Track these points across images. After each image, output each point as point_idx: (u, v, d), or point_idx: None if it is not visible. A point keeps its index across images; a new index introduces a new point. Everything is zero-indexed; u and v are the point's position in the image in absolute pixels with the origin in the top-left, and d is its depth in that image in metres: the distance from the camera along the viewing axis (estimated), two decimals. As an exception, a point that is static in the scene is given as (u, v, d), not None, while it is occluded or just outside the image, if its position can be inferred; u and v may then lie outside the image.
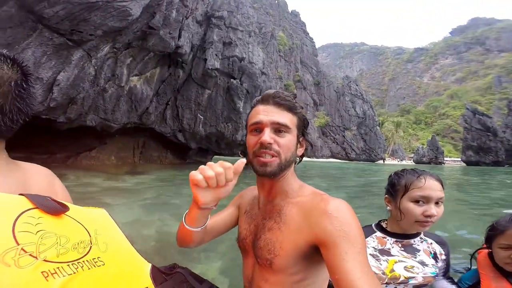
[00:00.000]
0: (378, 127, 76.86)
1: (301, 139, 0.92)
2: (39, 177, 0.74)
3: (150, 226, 5.00)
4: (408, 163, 74.08)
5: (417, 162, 71.56)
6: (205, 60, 17.41)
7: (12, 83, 0.64)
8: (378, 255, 1.24)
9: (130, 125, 14.30)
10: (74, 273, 0.52)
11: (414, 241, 1.29)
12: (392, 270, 1.20)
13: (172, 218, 5.61)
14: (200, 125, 18.03)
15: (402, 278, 1.19)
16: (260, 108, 0.88)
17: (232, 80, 18.65)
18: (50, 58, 7.93)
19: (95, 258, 0.57)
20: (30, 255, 0.48)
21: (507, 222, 1.25)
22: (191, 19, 15.21)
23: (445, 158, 79.79)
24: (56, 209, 0.58)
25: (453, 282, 1.35)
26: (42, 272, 0.48)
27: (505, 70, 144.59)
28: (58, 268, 0.50)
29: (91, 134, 12.97)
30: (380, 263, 1.21)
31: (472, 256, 1.44)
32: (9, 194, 0.55)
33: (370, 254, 1.23)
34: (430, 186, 1.18)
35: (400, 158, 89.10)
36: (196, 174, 0.76)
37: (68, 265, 0.52)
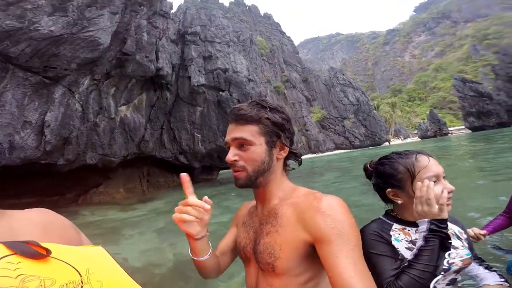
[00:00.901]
0: (375, 111, 76.97)
1: (277, 142, 0.92)
2: (29, 224, 0.69)
3: (167, 251, 5.05)
4: (413, 140, 73.74)
5: (422, 137, 71.50)
6: (189, 77, 17.48)
7: None
8: (413, 246, 1.10)
9: (130, 157, 14.18)
10: None
11: None
12: None
13: (186, 238, 5.56)
14: (199, 143, 17.92)
15: (444, 266, 1.07)
16: (228, 128, 0.95)
17: (220, 92, 18.65)
18: (32, 99, 7.86)
19: None
20: None
21: None
22: (165, 39, 15.32)
23: (449, 128, 79.54)
24: (35, 254, 0.54)
25: (488, 266, 1.25)
26: None
27: (477, 39, 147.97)
28: None
29: (95, 171, 12.88)
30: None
31: None
32: None
33: (407, 248, 1.10)
34: (432, 162, 1.12)
35: (404, 136, 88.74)
36: (181, 216, 0.84)
37: None
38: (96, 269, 0.61)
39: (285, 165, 0.98)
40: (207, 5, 69.14)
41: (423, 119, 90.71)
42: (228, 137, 0.92)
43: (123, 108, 13.15)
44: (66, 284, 0.53)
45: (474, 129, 60.30)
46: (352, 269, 0.69)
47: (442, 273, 1.08)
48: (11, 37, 6.88)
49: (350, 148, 67.22)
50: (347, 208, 0.80)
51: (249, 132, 0.89)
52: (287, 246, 0.82)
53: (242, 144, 0.89)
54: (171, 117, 17.43)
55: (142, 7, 11.99)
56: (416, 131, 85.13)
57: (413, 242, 1.12)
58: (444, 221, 1.01)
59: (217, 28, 22.01)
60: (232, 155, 0.90)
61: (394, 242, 1.11)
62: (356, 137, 69.77)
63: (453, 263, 1.11)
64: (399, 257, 1.08)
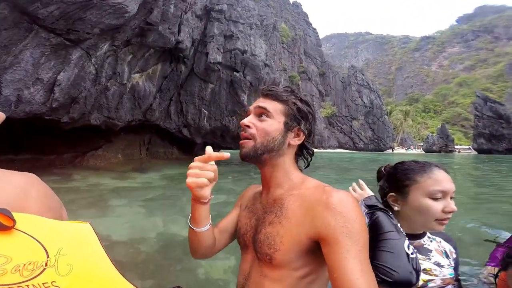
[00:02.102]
0: (386, 116, 75.89)
1: (295, 128, 0.91)
2: (6, 187, 0.64)
3: (156, 224, 5.00)
4: (418, 151, 73.20)
5: (426, 150, 70.80)
6: (207, 54, 17.28)
7: None
8: None
9: (134, 123, 14.34)
10: None
11: (424, 241, 1.19)
12: None
13: (179, 215, 5.61)
14: (205, 119, 18.00)
15: (421, 283, 1.08)
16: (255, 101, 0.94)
17: (235, 73, 18.47)
18: (49, 58, 7.91)
19: (46, 283, 0.47)
20: None
21: None
22: (190, 14, 15.03)
23: (456, 146, 78.60)
24: None
25: None
26: None
27: None
28: None
29: (96, 133, 13.05)
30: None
31: (496, 276, 1.27)
32: None
33: None
34: (445, 178, 1.08)
35: (408, 147, 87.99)
36: (197, 181, 0.80)
37: None
38: (70, 250, 0.55)
39: (297, 156, 0.96)
40: (237, -17, 66.86)
41: (432, 133, 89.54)
42: (251, 106, 0.94)
43: (136, 75, 13.16)
44: (24, 265, 0.48)
45: (480, 151, 59.31)
46: (359, 270, 0.66)
47: None
48: (43, -1, 6.86)
49: (352, 149, 67.02)
50: (358, 206, 0.77)
51: (272, 106, 0.89)
52: (289, 239, 0.80)
53: (262, 114, 0.90)
54: (182, 90, 17.43)
55: (173, -23, 11.75)
56: (422, 143, 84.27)
57: None
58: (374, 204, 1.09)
59: (243, 9, 21.41)
60: (247, 120, 0.90)
61: None
62: (361, 139, 69.37)
63: (431, 280, 1.10)
64: None
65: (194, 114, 17.69)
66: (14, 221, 0.52)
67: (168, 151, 18.81)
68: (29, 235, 0.53)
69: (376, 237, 1.00)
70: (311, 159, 0.98)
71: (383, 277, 0.92)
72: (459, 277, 1.24)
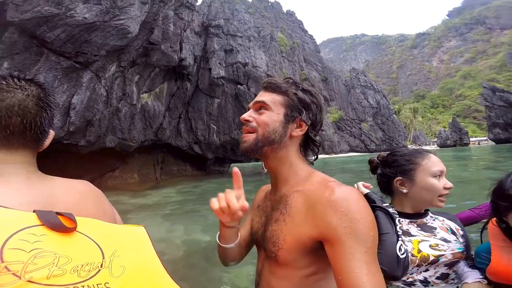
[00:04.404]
0: (394, 115, 75.00)
1: (297, 118, 0.87)
2: (67, 192, 0.70)
3: (176, 236, 5.11)
4: (432, 148, 71.69)
5: (441, 146, 69.24)
6: (210, 69, 17.75)
7: (35, 98, 0.67)
8: (402, 237, 1.16)
9: (147, 143, 14.68)
10: None
11: (427, 220, 1.27)
12: (420, 251, 1.17)
13: (197, 226, 5.72)
14: (214, 134, 18.25)
15: (432, 258, 1.15)
16: None
17: (239, 86, 18.86)
18: (61, 82, 8.35)
19: (100, 284, 0.50)
20: (13, 274, 0.45)
21: None
22: (189, 31, 15.62)
23: (471, 139, 76.80)
24: (59, 225, 0.53)
25: (473, 265, 1.27)
26: None
27: None
28: None
29: (112, 155, 13.42)
30: (405, 244, 1.13)
31: (484, 227, 1.33)
32: (15, 210, 0.53)
33: None
34: (439, 160, 1.24)
35: (423, 144, 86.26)
36: (213, 204, 0.84)
37: None
38: (124, 252, 0.57)
39: (302, 148, 0.92)
40: (230, -1, 69.23)
41: (444, 127, 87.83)
42: (251, 103, 0.92)
43: (145, 95, 13.62)
44: (82, 266, 0.51)
45: (498, 141, 57.74)
46: (364, 273, 0.63)
47: (430, 265, 1.16)
48: (49, 22, 7.35)
49: (365, 152, 66.03)
50: (365, 202, 0.73)
51: (270, 98, 0.88)
52: (292, 238, 0.77)
53: (260, 107, 0.88)
54: (189, 107, 17.83)
55: (170, -3, 12.35)
56: (435, 139, 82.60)
57: (403, 232, 1.20)
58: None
59: (239, 23, 22.09)
60: (247, 114, 0.89)
61: None
62: (372, 141, 68.44)
63: (442, 255, 1.16)
64: None
65: (204, 130, 17.99)
66: (76, 223, 0.56)
67: (181, 168, 19.02)
68: (88, 236, 0.56)
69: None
70: (319, 150, 0.94)
71: None
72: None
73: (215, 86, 18.02)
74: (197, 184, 13.79)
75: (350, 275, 0.64)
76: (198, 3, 18.26)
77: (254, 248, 1.01)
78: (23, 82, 0.67)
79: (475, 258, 1.29)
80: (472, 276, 1.23)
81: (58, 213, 0.56)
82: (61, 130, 8.92)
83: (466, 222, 1.81)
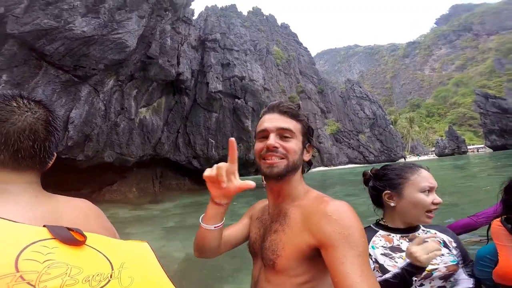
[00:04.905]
0: (391, 126, 75.47)
1: (307, 145, 0.97)
2: (70, 210, 0.73)
3: (174, 250, 5.16)
4: (429, 157, 71.84)
5: (439, 155, 69.56)
6: (207, 83, 17.90)
7: (44, 122, 0.69)
8: (391, 253, 1.21)
9: (146, 157, 14.60)
10: None
11: (419, 234, 1.27)
12: None
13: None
14: (213, 149, 18.19)
15: (425, 272, 1.13)
16: (266, 117, 0.97)
17: (236, 100, 18.98)
18: (60, 95, 8.33)
19: None
20: (28, 283, 0.46)
21: None
22: (186, 45, 15.85)
23: (469, 146, 77.22)
24: (69, 238, 0.56)
25: (471, 273, 1.27)
26: None
27: (501, 52, 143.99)
28: None
29: (111, 169, 13.32)
30: (395, 261, 1.18)
31: (489, 228, 1.33)
32: (27, 225, 0.55)
33: (382, 254, 1.21)
34: (430, 176, 1.25)
35: (421, 153, 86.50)
36: (206, 171, 0.89)
37: None
38: (131, 264, 0.60)
39: (302, 168, 1.01)
40: (226, 13, 70.72)
41: (441, 136, 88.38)
42: (270, 125, 0.92)
43: (143, 110, 13.63)
44: (93, 276, 0.52)
45: (495, 148, 57.97)
46: (358, 275, 0.68)
47: (424, 279, 1.16)
48: (48, 35, 7.43)
49: (364, 163, 65.96)
50: (355, 213, 0.80)
51: (293, 125, 0.93)
52: (290, 246, 0.84)
53: (286, 135, 0.91)
54: (187, 122, 17.83)
55: (167, 12, 12.57)
56: (433, 148, 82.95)
57: (393, 248, 1.22)
58: (421, 269, 1.06)
59: (236, 37, 22.54)
60: (274, 141, 0.90)
61: (369, 250, 1.20)
62: (370, 152, 68.53)
63: (435, 269, 1.16)
64: (373, 261, 1.19)
65: (202, 144, 17.94)
66: (85, 237, 0.58)
67: (180, 182, 18.83)
68: (97, 250, 0.58)
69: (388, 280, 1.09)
70: (310, 168, 1.04)
71: None
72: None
73: (213, 100, 18.11)
74: (196, 199, 13.65)
75: (345, 276, 0.69)
76: (194, 17, 18.63)
77: (250, 261, 1.04)
78: (32, 104, 0.68)
79: (477, 262, 1.28)
80: (463, 285, 1.24)
81: (68, 228, 0.58)
82: (59, 144, 8.79)
83: (464, 229, 1.87)
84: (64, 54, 7.87)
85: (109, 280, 0.54)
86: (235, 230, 1.12)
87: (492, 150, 59.34)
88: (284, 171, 0.90)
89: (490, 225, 1.31)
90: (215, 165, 0.88)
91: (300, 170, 0.98)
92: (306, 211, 0.87)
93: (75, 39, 7.96)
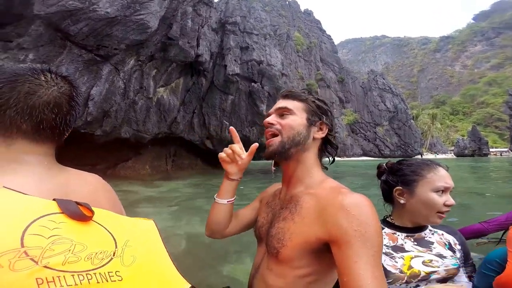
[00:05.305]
0: (412, 121, 72.92)
1: (318, 122, 0.95)
2: (81, 183, 0.74)
3: (181, 229, 5.19)
4: (447, 156, 69.67)
5: (458, 155, 67.02)
6: (225, 66, 17.92)
7: (68, 97, 0.70)
8: (392, 252, 1.16)
9: (161, 135, 15.05)
10: (76, 284, 0.47)
11: (425, 234, 1.23)
12: (410, 267, 1.12)
13: (202, 220, 5.71)
14: (226, 131, 18.42)
15: (422, 274, 1.10)
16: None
17: (253, 84, 18.96)
18: (82, 74, 8.72)
19: (111, 272, 0.52)
20: (31, 259, 0.45)
21: None
22: (207, 28, 15.82)
23: (491, 149, 74.02)
24: (78, 214, 0.55)
25: (470, 276, 1.24)
26: (37, 278, 0.44)
27: None
28: (58, 276, 0.46)
29: (126, 146, 13.83)
30: (395, 261, 1.13)
31: (505, 232, 1.30)
32: (37, 198, 0.55)
33: (384, 253, 1.14)
34: (447, 175, 1.17)
35: (439, 152, 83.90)
36: (220, 153, 1.02)
37: (73, 275, 0.47)
38: (135, 243, 0.59)
39: (321, 153, 0.98)
40: (247, -3, 68.66)
41: (463, 136, 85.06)
42: (272, 109, 0.98)
43: (161, 89, 13.95)
44: (96, 254, 0.52)
45: (519, 153, 55.56)
46: (370, 276, 0.65)
47: (420, 281, 1.11)
48: (72, 16, 7.72)
49: (378, 157, 64.73)
50: (374, 210, 0.75)
51: (293, 104, 0.94)
52: (298, 237, 0.80)
53: (283, 113, 0.94)
54: (203, 103, 18.07)
55: (189, -7, 12.56)
56: (452, 148, 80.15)
57: (396, 247, 1.17)
58: None
59: (256, 21, 22.08)
60: (270, 118, 0.95)
61: None
62: (386, 146, 67.01)
63: (434, 271, 1.11)
64: None
65: (216, 125, 18.22)
66: (93, 212, 0.58)
67: (192, 162, 19.36)
68: (103, 226, 0.58)
69: None
70: (336, 153, 1.01)
71: None
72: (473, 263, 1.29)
73: (230, 83, 18.19)
74: (206, 178, 14.05)
75: (356, 277, 0.66)
76: (216, 0, 18.44)
77: (254, 244, 1.05)
78: (59, 79, 0.70)
79: (484, 264, 1.25)
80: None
81: (76, 202, 0.58)
82: (79, 119, 9.29)
83: (474, 235, 1.83)
84: (88, 34, 8.17)
85: (111, 258, 0.53)
86: (244, 212, 1.15)
87: (516, 155, 56.84)
88: (280, 148, 0.90)
89: (507, 229, 1.25)
90: (229, 146, 1.01)
91: (313, 153, 0.95)
92: (321, 201, 0.81)
93: (99, 20, 8.23)
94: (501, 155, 69.72)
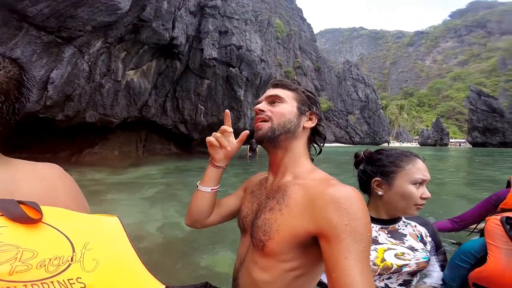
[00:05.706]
0: (381, 110, 76.45)
1: (308, 112, 0.94)
2: (33, 178, 0.64)
3: (155, 219, 4.88)
4: (412, 145, 73.98)
5: (422, 144, 71.69)
6: (202, 50, 17.17)
7: (17, 82, 0.62)
8: None
9: (130, 119, 14.28)
10: None
11: (399, 226, 1.22)
12: (383, 260, 1.12)
13: (177, 209, 5.52)
14: (201, 115, 18.00)
15: (395, 267, 1.11)
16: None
17: (231, 68, 18.46)
18: (40, 56, 7.82)
19: (71, 279, 0.46)
20: None
21: None
22: (184, 10, 14.90)
23: (451, 140, 79.67)
24: (21, 215, 0.48)
25: (442, 265, 1.27)
26: None
27: (509, 52, 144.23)
28: (8, 287, 0.41)
29: (92, 131, 12.99)
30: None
31: (476, 226, 1.30)
32: None
33: None
34: (425, 167, 1.15)
35: (405, 140, 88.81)
36: (209, 137, 0.96)
37: (25, 285, 0.42)
38: (97, 244, 0.53)
39: (309, 143, 0.96)
40: (230, -22, 65.94)
41: (427, 126, 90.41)
42: (262, 97, 0.97)
43: (131, 72, 13.07)
44: (50, 260, 0.46)
45: (475, 144, 60.17)
46: (359, 272, 0.63)
47: (392, 273, 1.13)
48: (31, -4, 6.77)
49: (349, 143, 67.40)
50: (365, 204, 0.72)
51: (284, 93, 0.93)
52: (285, 229, 0.77)
53: (274, 101, 0.93)
54: (178, 86, 17.34)
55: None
56: (417, 137, 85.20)
57: None
58: None
59: (237, 5, 21.26)
60: (261, 105, 0.94)
61: None
62: (357, 133, 69.80)
63: (406, 264, 1.12)
64: None
65: (191, 110, 17.67)
66: (41, 214, 0.51)
67: (165, 147, 18.79)
68: (55, 228, 0.51)
69: None
70: (323, 144, 0.99)
71: None
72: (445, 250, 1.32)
73: (206, 67, 17.54)
74: (180, 164, 13.64)
75: (345, 273, 0.64)
76: (195, -19, 17.35)
77: (235, 235, 1.00)
78: (7, 62, 0.61)
79: (458, 255, 1.24)
80: (433, 279, 1.25)
81: (20, 202, 0.50)
82: (37, 104, 8.45)
83: (445, 231, 1.87)
84: (49, 16, 7.21)
85: (69, 264, 0.47)
86: (228, 201, 1.09)
87: (471, 146, 61.54)
88: (269, 133, 0.88)
89: (477, 223, 1.24)
90: (220, 129, 0.96)
91: (303, 140, 0.93)
92: (310, 192, 0.78)
93: (63, 1, 7.31)
94: (459, 145, 75.12)
